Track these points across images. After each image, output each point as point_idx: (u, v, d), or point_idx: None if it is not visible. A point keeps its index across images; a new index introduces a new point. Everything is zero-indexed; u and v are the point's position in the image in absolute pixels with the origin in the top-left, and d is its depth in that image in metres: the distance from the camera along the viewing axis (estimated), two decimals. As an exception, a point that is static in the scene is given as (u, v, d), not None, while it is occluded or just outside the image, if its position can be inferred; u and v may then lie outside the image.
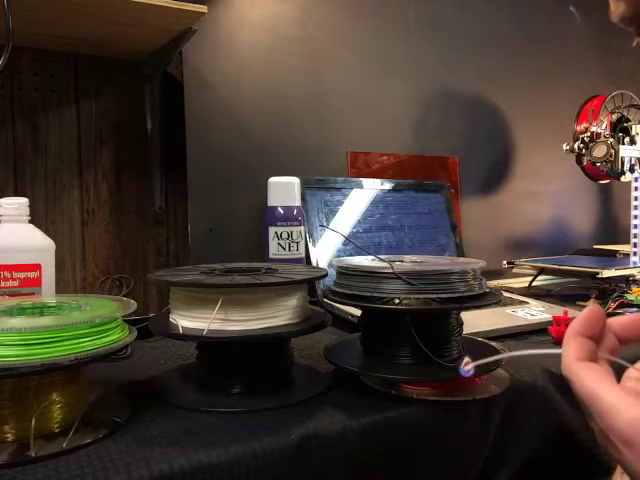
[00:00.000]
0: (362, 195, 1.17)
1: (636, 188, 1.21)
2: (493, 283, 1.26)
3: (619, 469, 0.50)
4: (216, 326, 0.56)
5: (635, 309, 0.97)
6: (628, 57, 1.76)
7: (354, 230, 1.13)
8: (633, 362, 0.36)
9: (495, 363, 0.60)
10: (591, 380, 0.33)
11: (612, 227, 1.72)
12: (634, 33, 0.41)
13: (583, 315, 0.37)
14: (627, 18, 0.39)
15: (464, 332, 0.63)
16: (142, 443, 0.48)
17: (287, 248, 0.91)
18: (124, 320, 0.55)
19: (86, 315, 0.50)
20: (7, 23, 0.69)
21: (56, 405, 0.49)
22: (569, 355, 0.35)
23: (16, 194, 0.91)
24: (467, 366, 0.38)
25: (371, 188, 1.18)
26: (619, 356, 0.37)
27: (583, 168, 1.27)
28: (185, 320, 0.59)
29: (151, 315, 0.72)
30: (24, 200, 0.74)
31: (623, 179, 1.21)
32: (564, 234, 1.63)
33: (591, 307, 0.37)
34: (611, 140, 1.13)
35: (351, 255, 1.08)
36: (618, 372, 0.36)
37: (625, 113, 1.22)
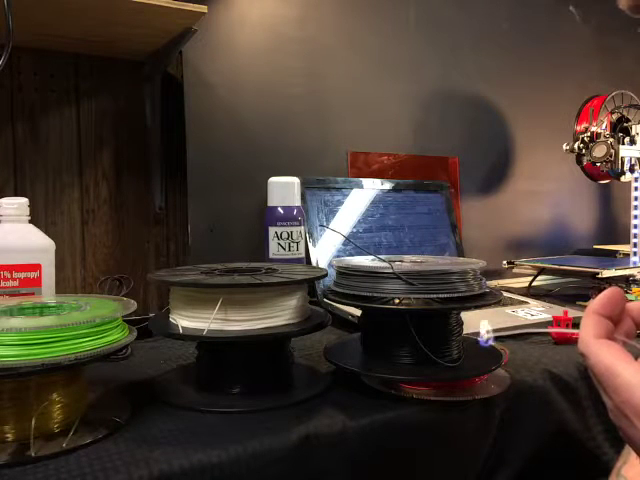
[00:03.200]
0: (362, 195, 1.17)
1: (636, 188, 1.20)
2: (493, 283, 1.26)
3: (615, 470, 0.50)
4: (216, 326, 0.56)
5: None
6: (628, 57, 1.76)
7: (354, 230, 1.13)
8: None
9: (497, 360, 0.60)
10: (608, 356, 0.33)
11: (612, 227, 1.72)
12: None
13: (603, 295, 0.37)
14: (634, 6, 0.40)
15: (464, 332, 0.63)
16: (142, 443, 0.48)
17: (287, 248, 0.91)
18: (124, 320, 0.55)
19: (86, 315, 0.50)
20: (7, 23, 0.69)
21: (56, 405, 0.49)
22: (586, 332, 0.35)
23: (16, 194, 0.91)
24: (486, 336, 0.39)
25: (371, 188, 1.18)
26: (634, 341, 0.37)
27: (583, 168, 1.27)
28: (185, 320, 0.59)
29: (151, 315, 0.72)
30: (24, 200, 0.74)
31: (623, 179, 1.21)
32: (564, 234, 1.63)
33: (612, 288, 0.37)
34: (611, 140, 1.13)
35: (351, 255, 1.08)
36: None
37: (625, 113, 1.22)
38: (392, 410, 0.56)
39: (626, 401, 0.32)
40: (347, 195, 1.15)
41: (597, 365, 0.34)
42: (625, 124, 1.20)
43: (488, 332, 0.39)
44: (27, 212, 0.74)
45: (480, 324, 0.40)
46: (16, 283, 0.70)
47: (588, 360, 0.35)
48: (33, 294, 0.71)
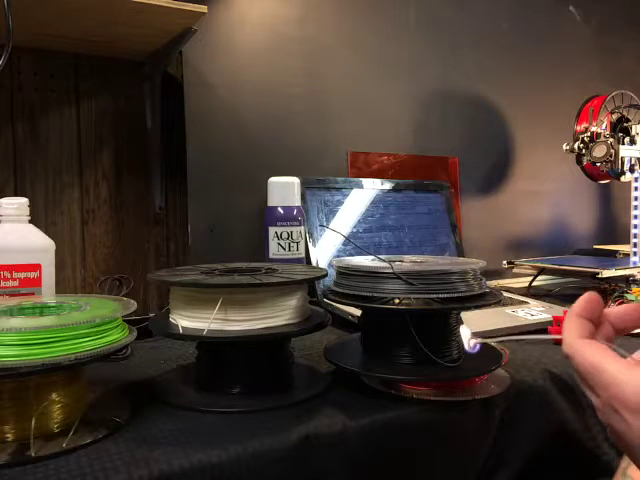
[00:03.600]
0: (362, 195, 1.17)
1: (636, 188, 1.20)
2: (493, 283, 1.26)
3: (620, 470, 0.50)
4: (216, 326, 0.56)
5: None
6: (628, 57, 1.76)
7: (354, 230, 1.13)
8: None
9: (497, 360, 0.60)
10: (594, 354, 0.33)
11: (612, 227, 1.72)
12: None
13: (583, 298, 0.37)
14: None
15: (464, 332, 0.63)
16: (142, 443, 0.48)
17: (287, 248, 0.91)
18: (124, 320, 0.55)
19: (86, 315, 0.50)
20: (7, 23, 0.69)
21: (56, 405, 0.49)
22: (570, 333, 0.36)
23: (16, 194, 0.91)
24: (472, 342, 0.39)
25: (371, 188, 1.18)
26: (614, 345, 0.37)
27: (583, 168, 1.27)
28: (185, 320, 0.59)
29: (151, 315, 0.72)
30: (24, 200, 0.74)
31: (623, 179, 1.21)
32: (564, 234, 1.63)
33: (589, 292, 0.38)
34: (611, 140, 1.13)
35: (351, 255, 1.08)
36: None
37: (625, 113, 1.22)
38: (392, 410, 0.56)
39: (614, 396, 0.32)
40: (347, 195, 1.15)
41: (583, 364, 0.34)
42: (625, 124, 1.20)
43: (471, 337, 0.39)
44: (27, 212, 0.74)
45: (460, 331, 0.40)
46: (16, 283, 0.70)
47: (573, 360, 0.35)
48: (33, 294, 0.71)
